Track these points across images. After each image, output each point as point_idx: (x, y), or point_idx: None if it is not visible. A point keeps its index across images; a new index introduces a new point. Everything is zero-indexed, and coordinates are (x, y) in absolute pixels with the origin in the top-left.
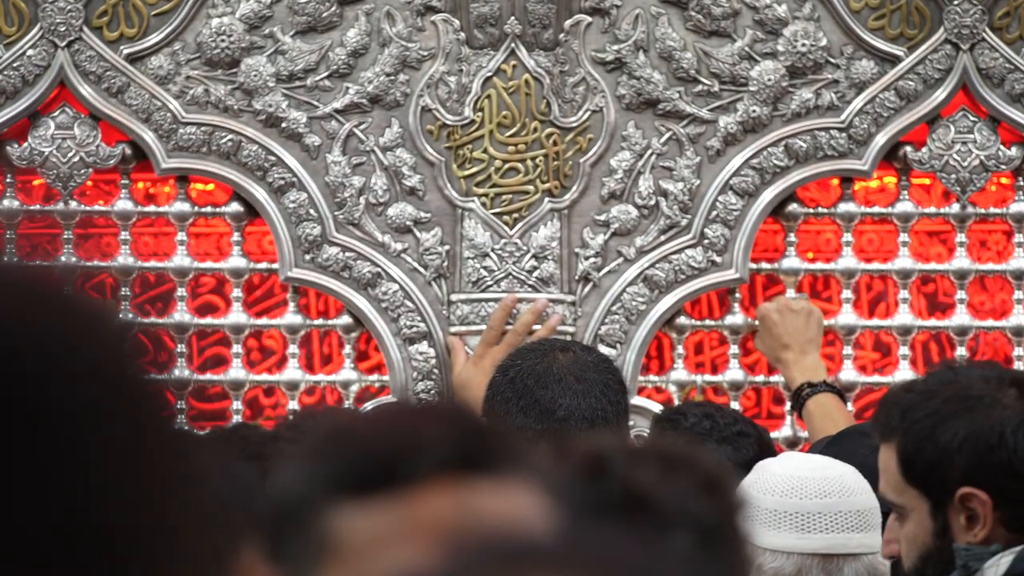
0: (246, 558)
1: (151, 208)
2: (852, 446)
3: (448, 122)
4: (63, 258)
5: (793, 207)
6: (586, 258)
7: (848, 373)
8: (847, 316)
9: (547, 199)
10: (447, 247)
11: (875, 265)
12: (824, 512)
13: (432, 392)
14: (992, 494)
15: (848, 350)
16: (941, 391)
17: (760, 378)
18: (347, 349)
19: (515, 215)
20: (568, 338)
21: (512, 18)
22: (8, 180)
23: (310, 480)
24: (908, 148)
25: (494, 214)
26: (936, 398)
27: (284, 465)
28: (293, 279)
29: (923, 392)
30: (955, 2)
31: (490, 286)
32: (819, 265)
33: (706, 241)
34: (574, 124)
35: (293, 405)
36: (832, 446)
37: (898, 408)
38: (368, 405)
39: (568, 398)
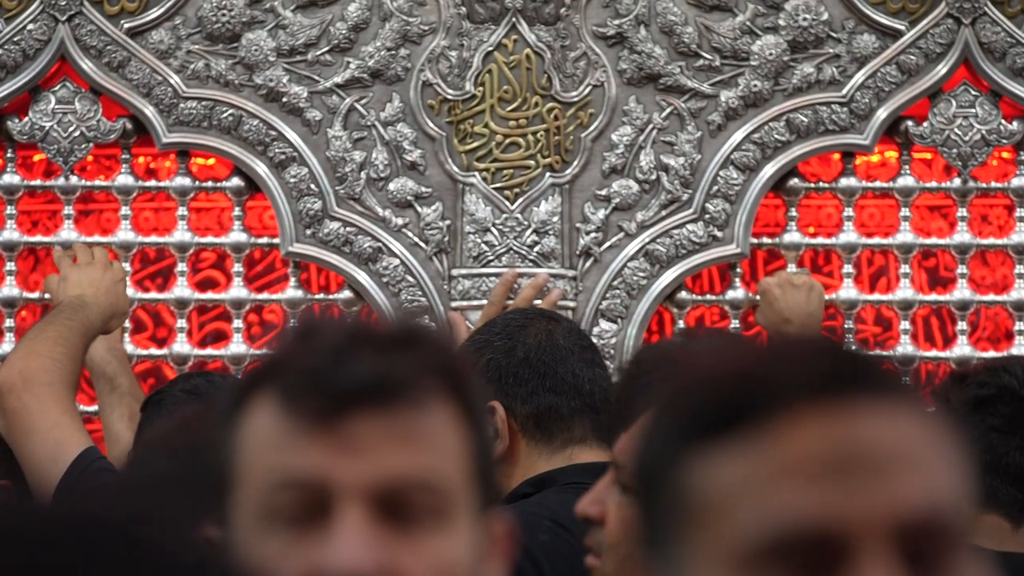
0: None
1: (152, 183)
2: None
3: (449, 97)
4: (63, 234)
5: (794, 182)
6: (587, 233)
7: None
8: (848, 291)
9: (548, 174)
10: (448, 222)
11: (876, 240)
12: None
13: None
14: None
15: (849, 324)
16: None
17: None
18: (355, 320)
19: (516, 190)
20: (568, 313)
21: None
22: (9, 155)
23: (658, 438)
24: (909, 122)
25: (495, 189)
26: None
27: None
28: (294, 254)
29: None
30: None
31: (491, 261)
32: (820, 240)
33: (707, 216)
34: (575, 99)
35: None
36: None
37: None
38: None
39: (586, 370)
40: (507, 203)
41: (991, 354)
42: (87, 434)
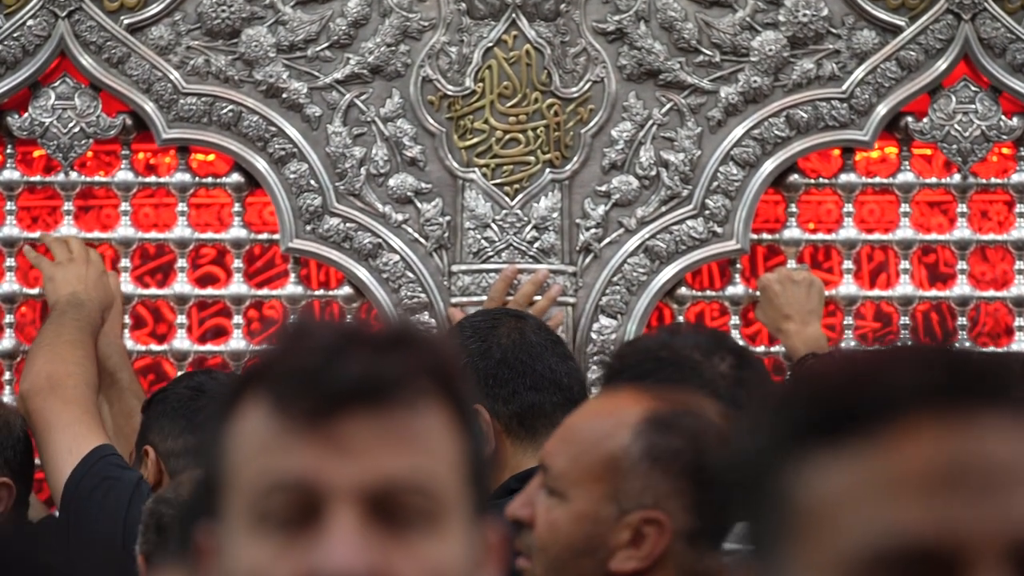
0: None
1: (152, 179)
2: None
3: (449, 92)
4: (63, 230)
5: (794, 178)
6: (587, 229)
7: (849, 343)
8: (848, 286)
9: (548, 170)
10: (448, 218)
11: (876, 236)
12: None
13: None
14: None
15: (849, 320)
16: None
17: (761, 348)
18: (348, 320)
19: (516, 186)
20: (568, 310)
21: None
22: (8, 151)
23: (762, 437)
24: (909, 118)
25: (495, 185)
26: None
27: (736, 429)
28: (294, 250)
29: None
30: None
31: (491, 257)
32: (820, 236)
33: (707, 212)
34: (575, 94)
35: None
36: None
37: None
38: None
39: (561, 365)
40: (507, 199)
41: (991, 350)
42: (105, 433)
